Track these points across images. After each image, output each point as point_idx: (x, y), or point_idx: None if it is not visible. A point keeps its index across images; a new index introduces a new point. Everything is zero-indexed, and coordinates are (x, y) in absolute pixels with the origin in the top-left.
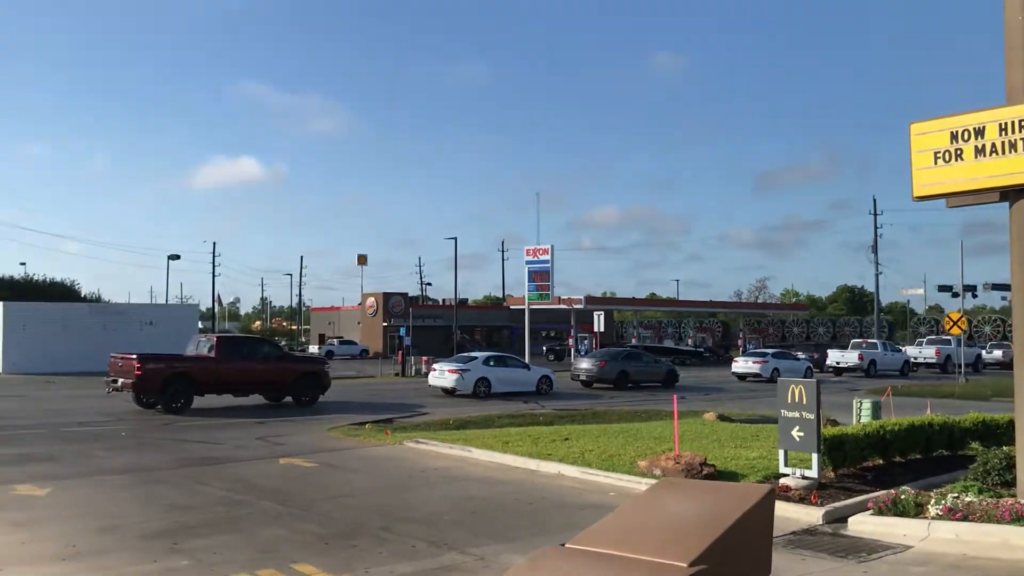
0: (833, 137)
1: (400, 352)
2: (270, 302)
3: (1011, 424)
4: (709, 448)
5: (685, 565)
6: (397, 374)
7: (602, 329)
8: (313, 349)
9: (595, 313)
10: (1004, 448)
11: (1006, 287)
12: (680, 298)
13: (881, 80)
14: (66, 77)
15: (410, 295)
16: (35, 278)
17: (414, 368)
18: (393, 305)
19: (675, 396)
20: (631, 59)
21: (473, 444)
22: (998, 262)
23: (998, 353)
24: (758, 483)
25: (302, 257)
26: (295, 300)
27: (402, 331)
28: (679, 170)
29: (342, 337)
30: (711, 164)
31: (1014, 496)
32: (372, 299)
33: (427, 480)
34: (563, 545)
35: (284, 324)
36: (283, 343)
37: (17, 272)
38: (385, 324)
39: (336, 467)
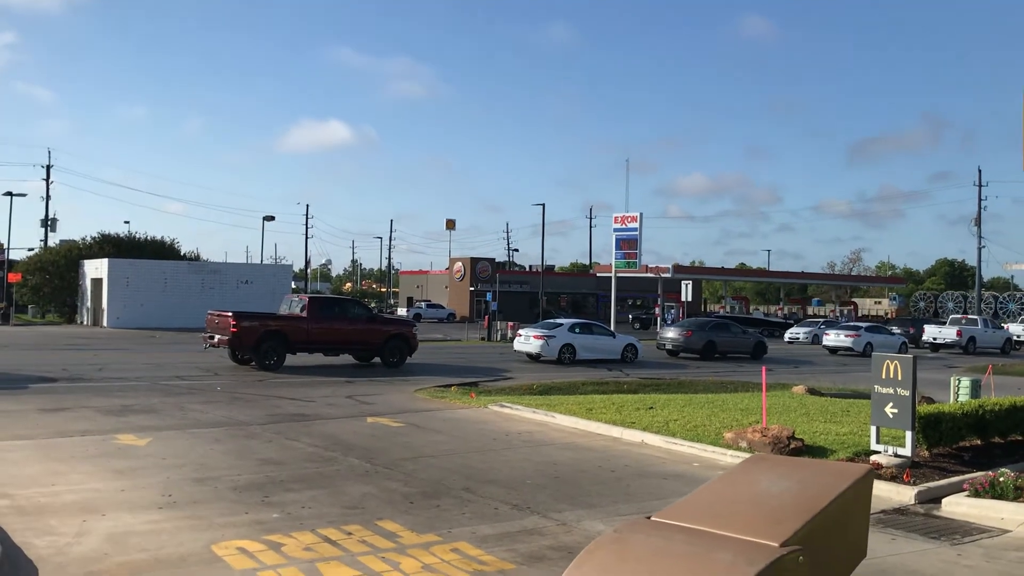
0: (934, 106)
1: (486, 317)
2: (360, 264)
3: None
4: (797, 422)
5: (777, 545)
6: (483, 339)
7: (689, 298)
8: (401, 312)
9: (682, 282)
10: None
11: None
12: (771, 268)
13: (987, 47)
14: (159, 42)
15: (497, 261)
16: (138, 236)
17: (500, 333)
18: (480, 270)
19: (764, 368)
20: (721, 21)
21: (556, 410)
22: None
23: None
24: (855, 462)
25: (391, 221)
26: (384, 263)
27: (488, 296)
28: (770, 138)
29: (430, 301)
30: (803, 132)
31: None
32: (460, 264)
33: (510, 444)
34: (649, 517)
35: (374, 286)
36: (372, 305)
37: (122, 230)
38: (472, 289)
39: (422, 428)
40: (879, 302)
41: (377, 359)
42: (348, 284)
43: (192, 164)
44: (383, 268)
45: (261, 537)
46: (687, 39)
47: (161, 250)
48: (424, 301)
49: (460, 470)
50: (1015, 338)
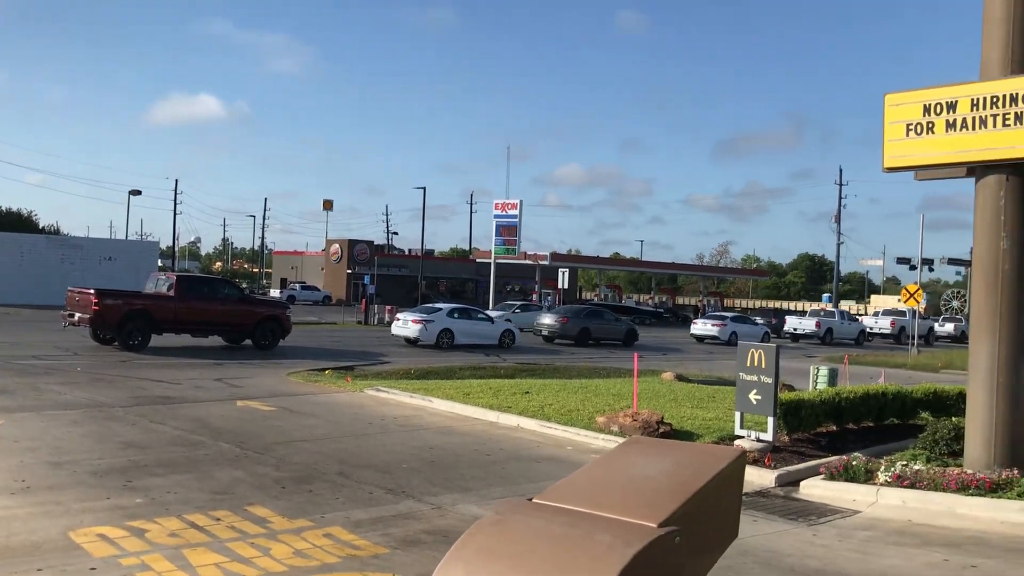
0: (797, 106)
1: (364, 300)
2: (232, 243)
3: (961, 396)
4: (666, 407)
5: (655, 525)
6: (360, 322)
7: (566, 286)
8: (275, 293)
9: (560, 270)
10: (953, 419)
11: (961, 262)
12: (643, 259)
13: (849, 50)
14: (17, 5)
15: (376, 243)
16: None
17: (377, 317)
18: (358, 253)
19: (635, 355)
20: (598, 15)
21: (434, 394)
22: (952, 236)
23: (950, 327)
24: (727, 445)
25: (266, 199)
26: (257, 242)
27: (367, 279)
28: (644, 132)
29: (304, 282)
30: (675, 127)
31: (960, 466)
32: (337, 245)
33: (386, 428)
34: (531, 499)
35: (246, 266)
36: (244, 286)
37: None
38: (349, 271)
39: (294, 412)
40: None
41: (248, 341)
42: (218, 263)
43: (53, 135)
44: (256, 248)
45: (123, 523)
46: (568, 29)
47: (18, 223)
48: (299, 283)
49: (334, 455)
50: (868, 330)
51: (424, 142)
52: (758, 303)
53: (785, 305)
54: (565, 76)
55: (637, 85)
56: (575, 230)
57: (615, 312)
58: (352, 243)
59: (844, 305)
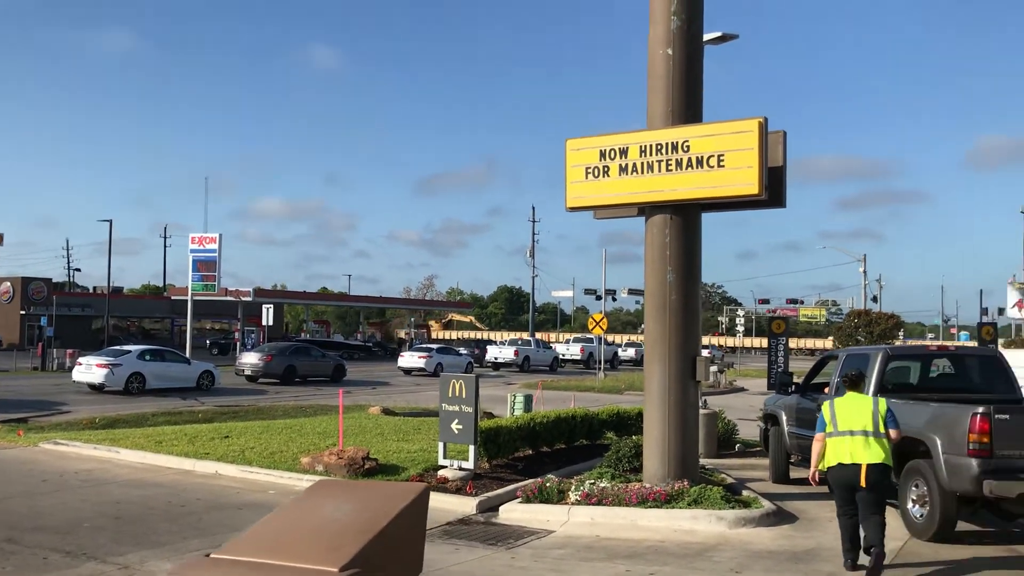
0: (491, 148)
1: (40, 344)
2: None
3: (640, 415)
4: (372, 442)
5: (336, 570)
6: (36, 368)
7: (271, 323)
8: None
9: (264, 306)
10: (634, 437)
11: (640, 292)
12: (352, 293)
13: (537, 94)
14: None
15: (55, 281)
16: None
17: (57, 362)
18: (33, 291)
19: (341, 391)
20: (291, 47)
21: (121, 444)
22: (633, 269)
23: (631, 351)
24: (425, 477)
25: None
26: None
27: (43, 320)
28: (345, 167)
29: None
30: (376, 163)
31: (640, 481)
32: (8, 284)
33: (65, 484)
34: (208, 555)
35: None
36: None
37: None
38: (24, 312)
39: None
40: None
41: None
42: None
43: None
44: None
45: None
46: (259, 61)
47: None
48: None
49: (1, 518)
50: (561, 356)
51: (110, 173)
52: (464, 334)
53: (487, 335)
54: (261, 108)
55: (336, 120)
56: (279, 265)
57: (322, 348)
58: (26, 281)
59: (553, 336)
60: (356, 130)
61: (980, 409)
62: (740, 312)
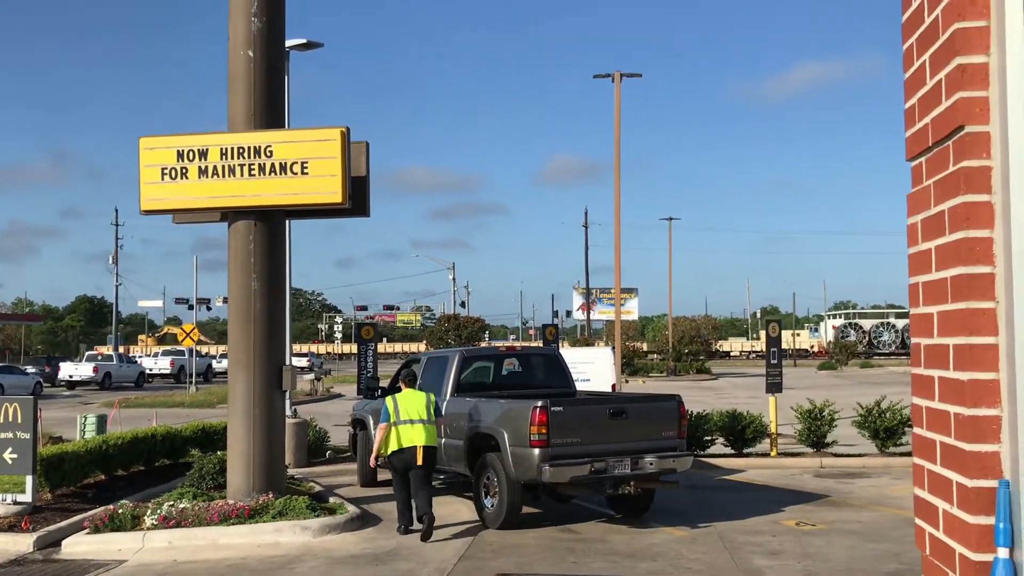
0: (64, 143)
1: None
2: None
3: (227, 429)
4: None
5: None
6: None
7: None
8: None
9: None
10: (219, 453)
11: None
12: None
13: (110, 89)
14: None
15: None
16: None
17: None
18: None
19: None
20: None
21: None
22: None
23: (225, 363)
24: None
25: None
26: None
27: None
28: None
29: None
30: None
31: (225, 498)
32: None
33: None
34: None
35: None
36: None
37: None
38: None
39: None
40: (797, 334)
41: None
42: None
43: None
44: None
45: None
46: None
47: None
48: None
49: None
50: (148, 371)
51: None
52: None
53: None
54: None
55: None
56: None
57: None
58: None
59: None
60: None
61: (539, 403)
62: (339, 319)
